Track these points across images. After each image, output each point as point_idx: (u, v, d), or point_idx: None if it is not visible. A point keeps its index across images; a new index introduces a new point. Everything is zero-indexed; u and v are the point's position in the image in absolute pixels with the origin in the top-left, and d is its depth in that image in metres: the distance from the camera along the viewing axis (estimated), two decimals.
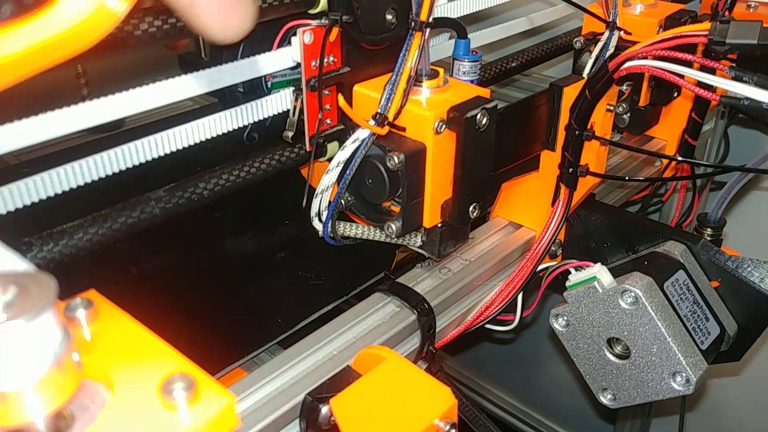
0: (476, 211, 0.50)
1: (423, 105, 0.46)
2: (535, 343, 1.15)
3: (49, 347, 0.20)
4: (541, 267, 0.56)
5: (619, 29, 0.67)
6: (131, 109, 0.42)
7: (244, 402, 0.42)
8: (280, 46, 0.49)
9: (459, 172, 0.47)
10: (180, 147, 0.46)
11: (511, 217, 0.62)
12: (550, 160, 0.55)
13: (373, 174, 0.47)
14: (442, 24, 0.57)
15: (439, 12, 0.60)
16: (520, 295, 0.56)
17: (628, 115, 0.70)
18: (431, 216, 0.48)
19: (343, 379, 0.42)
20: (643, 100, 0.69)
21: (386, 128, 0.45)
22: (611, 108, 0.53)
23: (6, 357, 0.19)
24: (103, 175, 0.43)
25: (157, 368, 0.22)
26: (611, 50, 0.65)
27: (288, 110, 0.51)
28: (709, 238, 0.59)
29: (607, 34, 0.67)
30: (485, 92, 0.48)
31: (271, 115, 0.51)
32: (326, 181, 0.48)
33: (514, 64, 0.71)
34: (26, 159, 0.85)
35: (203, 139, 0.47)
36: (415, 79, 0.46)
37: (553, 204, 0.56)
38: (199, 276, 0.66)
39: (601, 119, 0.53)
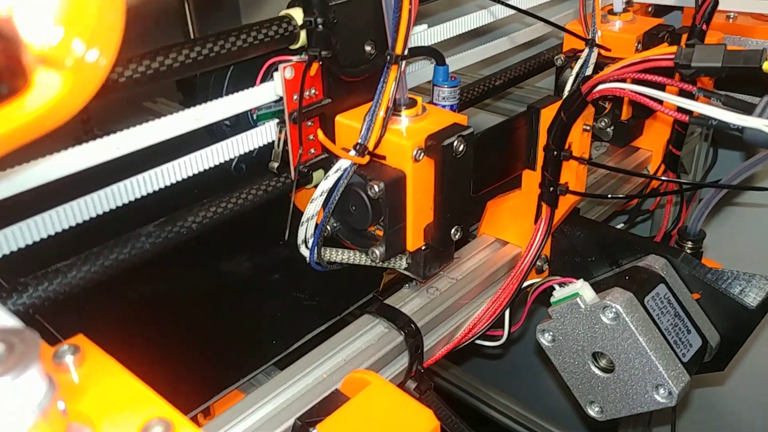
0: (458, 233, 0.51)
1: (402, 134, 0.47)
2: (531, 351, 1.16)
3: (35, 400, 0.21)
4: (526, 283, 0.57)
5: (599, 46, 0.68)
6: (125, 148, 0.44)
7: (237, 427, 0.44)
8: (263, 81, 0.51)
9: (439, 197, 0.48)
10: (170, 183, 0.48)
11: (497, 234, 0.63)
12: (531, 179, 0.57)
13: (356, 201, 0.48)
14: (419, 53, 0.58)
15: (420, 39, 0.61)
16: (507, 311, 0.57)
17: (612, 128, 0.72)
18: (414, 240, 0.50)
19: (331, 402, 0.44)
20: (625, 114, 0.71)
21: (367, 158, 0.47)
22: (588, 128, 0.55)
23: None
24: (94, 215, 0.44)
25: (138, 412, 0.24)
26: (591, 67, 0.67)
27: (273, 141, 0.53)
28: (689, 251, 0.60)
29: (586, 51, 0.68)
30: (462, 119, 0.49)
31: (257, 147, 0.53)
32: (311, 209, 0.50)
33: (497, 83, 0.73)
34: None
35: (192, 173, 0.49)
36: (394, 109, 0.47)
37: (536, 222, 0.57)
38: (195, 299, 0.67)
39: (578, 139, 0.54)
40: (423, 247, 0.51)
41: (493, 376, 1.33)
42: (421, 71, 0.63)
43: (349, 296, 0.66)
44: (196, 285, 0.70)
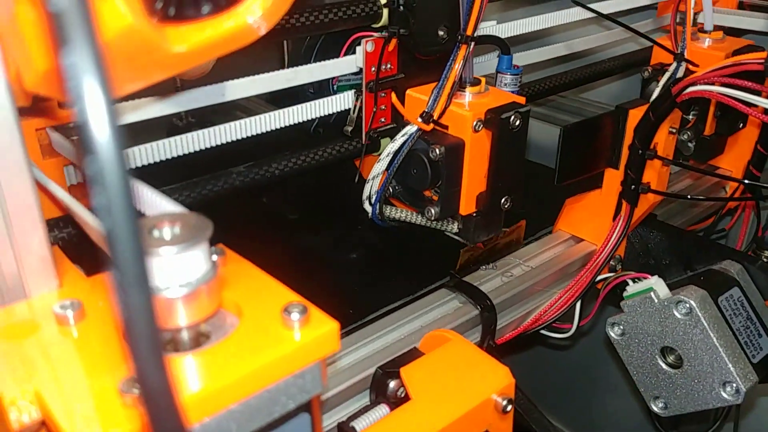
0: (507, 204, 0.54)
1: (465, 107, 0.52)
2: (586, 364, 1.15)
3: (202, 270, 0.25)
4: (600, 278, 0.59)
5: (687, 61, 0.70)
6: (230, 95, 0.51)
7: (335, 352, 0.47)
8: (346, 54, 0.57)
9: (493, 168, 0.53)
10: (260, 131, 0.54)
11: (573, 231, 0.65)
12: (613, 178, 0.59)
13: (418, 164, 0.53)
14: (487, 41, 0.63)
15: (489, 32, 0.66)
16: (578, 304, 0.60)
17: (693, 143, 0.73)
18: (467, 205, 0.54)
19: (410, 356, 0.47)
20: (709, 129, 0.72)
21: (431, 125, 0.51)
22: (674, 131, 0.57)
23: (171, 272, 0.25)
24: (198, 148, 0.52)
25: (277, 300, 0.28)
26: None
27: (349, 109, 0.59)
28: (766, 260, 0.61)
29: (674, 65, 0.70)
30: (521, 99, 0.53)
31: (335, 111, 0.59)
32: (377, 168, 0.55)
33: (554, 84, 0.76)
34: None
35: (279, 126, 0.55)
36: (460, 86, 0.52)
37: (614, 219, 0.59)
38: (275, 272, 0.72)
39: (663, 140, 0.56)
40: (474, 213, 0.55)
41: (543, 397, 1.33)
42: (487, 63, 0.67)
43: (423, 278, 0.69)
44: (278, 257, 0.74)
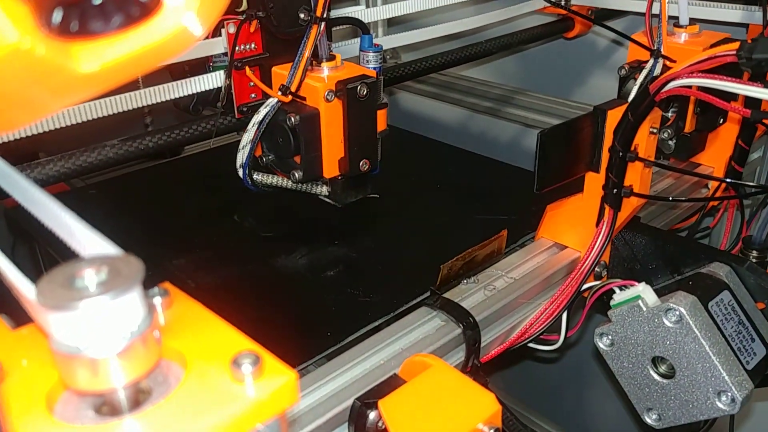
0: (366, 166, 0.62)
1: (318, 80, 0.59)
2: (578, 369, 1.13)
3: (135, 321, 0.22)
4: (585, 286, 0.57)
5: (664, 57, 0.68)
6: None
7: (295, 406, 0.44)
8: (214, 36, 0.65)
9: (347, 133, 0.60)
10: (138, 105, 0.60)
11: (555, 239, 0.63)
12: (594, 182, 0.57)
13: (281, 133, 0.60)
14: (345, 21, 0.71)
15: (357, 15, 0.74)
16: (564, 314, 0.57)
17: (674, 141, 0.71)
18: (329, 168, 0.61)
19: (390, 385, 0.44)
20: (689, 126, 0.70)
21: (290, 97, 0.58)
22: (654, 131, 0.54)
23: (98, 328, 0.22)
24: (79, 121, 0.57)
25: (227, 347, 0.25)
26: None
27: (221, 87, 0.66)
28: (754, 260, 0.59)
29: (651, 61, 0.68)
30: (372, 73, 0.61)
31: (209, 88, 0.65)
32: (245, 138, 0.60)
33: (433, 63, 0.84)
34: (91, 182, 0.91)
35: (156, 101, 0.61)
36: (317, 61, 0.59)
37: (597, 225, 0.57)
38: (251, 291, 0.69)
39: (644, 141, 0.54)
40: (339, 177, 0.62)
41: (532, 398, 1.31)
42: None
43: (403, 294, 0.66)
44: (253, 276, 0.71)
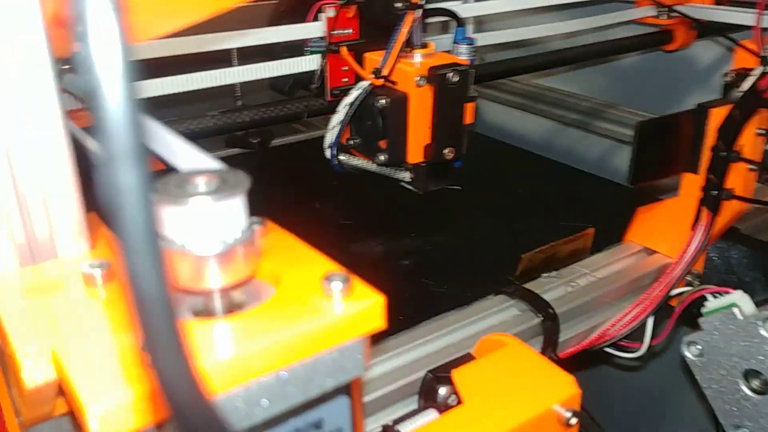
0: (451, 154, 0.61)
1: (411, 65, 0.59)
2: (659, 387, 1.08)
3: (238, 227, 0.23)
4: (675, 292, 0.54)
5: None
6: (212, 46, 0.60)
7: (369, 371, 0.44)
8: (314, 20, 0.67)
9: (435, 119, 0.59)
10: (234, 81, 0.63)
11: (645, 243, 0.60)
12: (691, 183, 0.54)
13: (370, 115, 0.59)
14: (439, 13, 0.71)
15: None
16: (650, 320, 0.55)
17: None
18: (414, 154, 0.60)
19: (463, 362, 0.43)
20: None
21: (381, 81, 0.58)
22: (762, 132, 0.52)
23: (203, 226, 0.22)
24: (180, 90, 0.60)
25: (318, 269, 0.25)
26: None
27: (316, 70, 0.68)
28: None
29: (759, 69, 0.65)
30: (464, 62, 0.61)
31: (304, 70, 0.67)
32: (335, 119, 0.60)
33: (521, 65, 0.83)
34: None
35: (252, 78, 0.64)
36: (410, 48, 0.59)
37: (693, 229, 0.55)
38: None
39: (750, 142, 0.51)
40: (422, 164, 0.61)
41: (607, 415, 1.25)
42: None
43: (477, 289, 0.66)
44: (336, 259, 0.72)
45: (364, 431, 0.27)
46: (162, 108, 0.64)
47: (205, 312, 0.24)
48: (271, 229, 0.29)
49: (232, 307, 0.24)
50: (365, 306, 0.24)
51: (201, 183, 0.22)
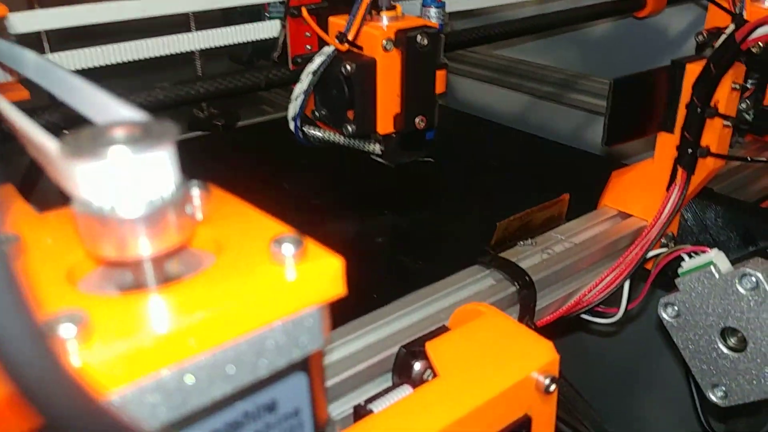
0: (422, 123, 0.58)
1: (377, 28, 0.56)
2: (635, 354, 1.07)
3: (166, 185, 0.20)
4: (651, 254, 0.53)
5: (746, 22, 0.63)
6: (150, 11, 0.57)
7: (339, 350, 0.42)
8: None
9: (404, 86, 0.56)
10: (186, 50, 0.60)
11: (620, 206, 0.59)
12: (666, 143, 0.53)
13: (335, 83, 0.56)
14: None
15: None
16: (626, 284, 0.53)
17: (751, 114, 0.66)
18: (383, 124, 0.58)
19: (438, 334, 0.41)
20: None
21: (346, 45, 0.55)
22: (737, 86, 0.50)
23: (125, 184, 0.19)
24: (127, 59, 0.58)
25: (267, 233, 0.23)
26: None
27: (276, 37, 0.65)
28: None
29: (732, 27, 0.63)
30: (434, 24, 0.58)
31: (263, 37, 0.64)
32: (298, 89, 0.58)
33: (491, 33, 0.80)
34: None
35: (206, 46, 0.61)
36: (377, 11, 0.56)
37: (668, 189, 0.53)
38: None
39: (725, 97, 0.50)
40: (393, 134, 0.59)
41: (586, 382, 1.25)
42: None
43: (453, 264, 0.64)
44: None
45: (328, 411, 0.25)
46: (116, 78, 0.61)
47: (135, 287, 0.21)
48: (215, 195, 0.26)
49: (166, 281, 0.22)
50: (320, 271, 0.21)
51: (119, 134, 0.20)
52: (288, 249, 0.21)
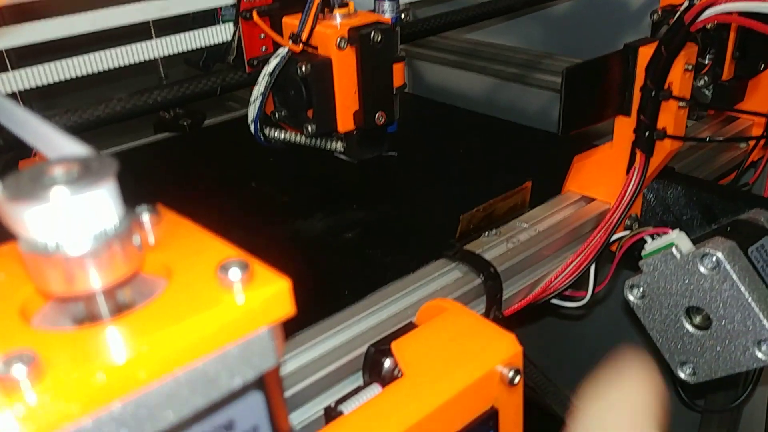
0: (382, 119, 0.59)
1: (330, 27, 0.56)
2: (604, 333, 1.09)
3: (110, 219, 0.21)
4: (614, 237, 0.54)
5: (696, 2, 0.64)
6: (101, 24, 0.57)
7: (307, 353, 0.43)
8: None
9: (361, 83, 0.57)
10: (142, 59, 0.60)
11: (583, 191, 0.60)
12: (624, 126, 0.54)
13: (293, 85, 0.57)
14: None
15: None
16: (592, 267, 0.54)
17: (710, 90, 0.67)
18: (343, 122, 0.58)
19: (404, 331, 0.42)
20: (727, 73, 0.66)
21: (300, 46, 0.56)
22: (690, 68, 0.51)
23: (68, 223, 0.20)
24: (83, 73, 0.57)
25: (215, 257, 0.23)
26: None
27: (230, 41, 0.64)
28: None
29: (686, 4, 0.64)
30: (386, 20, 0.59)
31: (218, 42, 0.65)
32: (256, 92, 0.58)
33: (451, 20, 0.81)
34: (111, 151, 0.90)
35: (160, 55, 0.61)
36: (329, 9, 0.57)
37: (628, 172, 0.54)
38: (268, 255, 0.67)
39: (678, 79, 0.50)
40: (354, 132, 0.59)
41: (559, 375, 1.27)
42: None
43: (422, 256, 0.64)
44: (271, 240, 0.70)
45: (289, 423, 0.25)
46: (74, 92, 0.61)
47: (89, 319, 0.22)
48: (166, 217, 0.26)
49: (120, 309, 0.22)
50: (268, 293, 0.22)
51: (59, 174, 0.20)
52: (235, 274, 0.21)
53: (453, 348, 0.37)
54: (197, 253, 0.23)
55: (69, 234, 0.20)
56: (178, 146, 0.94)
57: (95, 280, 0.20)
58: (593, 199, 0.59)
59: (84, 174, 0.20)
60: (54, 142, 0.23)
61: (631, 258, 0.55)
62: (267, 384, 0.23)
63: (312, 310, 0.58)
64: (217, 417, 0.22)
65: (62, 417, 0.18)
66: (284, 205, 0.77)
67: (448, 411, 0.34)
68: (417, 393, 0.34)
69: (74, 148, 0.22)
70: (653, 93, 0.49)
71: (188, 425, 0.21)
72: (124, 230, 0.21)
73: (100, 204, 0.20)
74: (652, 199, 0.57)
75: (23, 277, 0.23)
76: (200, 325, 0.20)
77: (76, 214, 0.19)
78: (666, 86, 0.50)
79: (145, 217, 0.26)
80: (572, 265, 0.54)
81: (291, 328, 0.55)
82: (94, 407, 0.19)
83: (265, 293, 0.22)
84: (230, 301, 0.21)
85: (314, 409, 0.41)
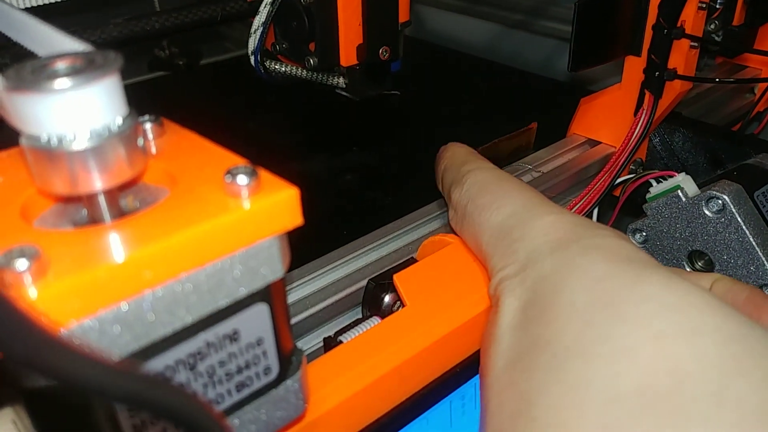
0: (386, 54, 0.58)
1: None
2: None
3: (113, 115, 0.20)
4: (619, 180, 0.53)
5: None
6: None
7: (306, 286, 0.42)
8: None
9: (366, 15, 0.55)
10: None
11: (589, 134, 0.59)
12: (634, 67, 0.52)
13: (295, 14, 0.56)
14: None
15: None
16: (595, 211, 0.54)
17: (720, 34, 0.66)
18: (347, 56, 0.57)
19: (406, 267, 0.41)
20: (738, 18, 0.64)
21: None
22: (703, 6, 0.49)
23: (71, 116, 0.19)
24: None
25: (221, 165, 0.22)
26: None
27: None
28: None
29: None
30: None
31: None
32: (257, 22, 0.56)
33: None
34: None
35: None
36: None
37: (635, 114, 0.53)
38: None
39: (692, 17, 0.49)
40: (357, 66, 0.58)
41: None
42: None
43: (423, 198, 0.64)
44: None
45: (292, 339, 0.25)
46: (69, 16, 0.58)
47: (90, 223, 0.21)
48: (169, 128, 0.25)
49: (121, 215, 0.21)
50: (276, 200, 0.21)
51: (62, 66, 0.19)
52: (242, 180, 0.21)
53: (456, 281, 0.36)
54: (203, 161, 0.23)
55: (71, 128, 0.19)
56: (174, 85, 0.92)
57: (97, 180, 0.20)
58: (599, 142, 0.58)
59: (88, 67, 0.19)
60: (54, 41, 0.22)
61: (634, 205, 0.54)
62: (273, 297, 0.23)
63: (311, 248, 0.59)
64: (222, 327, 0.21)
65: (65, 314, 0.18)
66: (283, 147, 0.76)
67: (449, 343, 0.34)
68: (419, 324, 0.34)
69: (75, 45, 0.21)
70: (665, 31, 0.48)
71: (194, 332, 0.20)
72: (127, 129, 0.20)
73: (104, 98, 0.19)
74: (658, 144, 0.57)
75: (25, 181, 0.22)
76: (206, 229, 0.20)
77: (78, 107, 0.19)
78: (678, 24, 0.48)
79: (148, 126, 0.25)
80: (575, 208, 0.53)
81: (293, 264, 0.55)
82: (98, 306, 0.18)
83: (273, 200, 0.21)
84: (237, 207, 0.20)
85: (314, 340, 0.41)
